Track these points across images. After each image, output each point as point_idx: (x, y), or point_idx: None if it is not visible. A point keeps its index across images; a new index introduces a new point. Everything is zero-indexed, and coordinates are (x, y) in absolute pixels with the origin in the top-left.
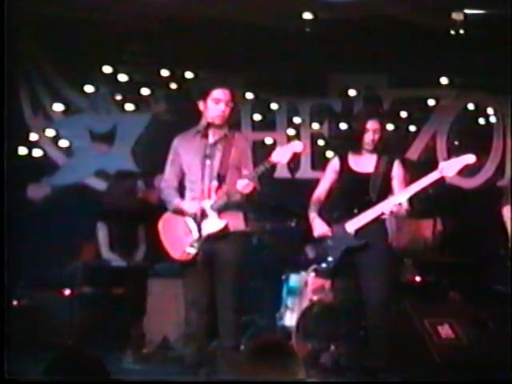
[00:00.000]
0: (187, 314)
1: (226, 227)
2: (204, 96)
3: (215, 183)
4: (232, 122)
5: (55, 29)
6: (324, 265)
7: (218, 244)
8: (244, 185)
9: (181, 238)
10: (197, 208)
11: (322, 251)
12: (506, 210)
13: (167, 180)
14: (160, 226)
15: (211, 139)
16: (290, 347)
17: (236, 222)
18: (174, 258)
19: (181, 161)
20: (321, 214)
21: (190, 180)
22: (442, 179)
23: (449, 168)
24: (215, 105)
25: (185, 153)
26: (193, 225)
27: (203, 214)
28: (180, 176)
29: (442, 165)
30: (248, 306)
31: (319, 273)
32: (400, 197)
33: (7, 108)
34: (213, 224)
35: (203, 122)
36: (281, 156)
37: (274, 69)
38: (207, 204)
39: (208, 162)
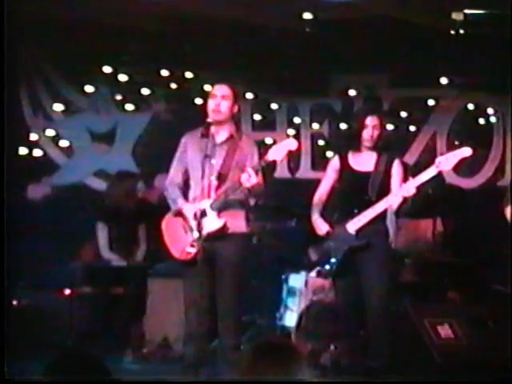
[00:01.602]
0: (187, 313)
1: (224, 226)
2: (207, 95)
3: (215, 182)
4: (236, 121)
5: (55, 29)
6: (327, 266)
7: (218, 243)
8: (247, 178)
9: (182, 237)
10: (195, 210)
11: (325, 252)
12: (508, 210)
13: (172, 177)
14: (163, 225)
15: (217, 138)
16: (291, 347)
17: (236, 221)
18: (175, 257)
19: (187, 159)
20: (322, 214)
21: (194, 179)
22: (441, 178)
23: (446, 162)
24: (212, 100)
25: (192, 151)
26: (193, 224)
27: (203, 214)
28: (186, 174)
29: (438, 159)
30: (248, 305)
31: (320, 273)
32: (399, 192)
33: (7, 108)
34: (212, 223)
35: (208, 121)
36: (276, 154)
37: (273, 69)
38: (207, 203)
39: (212, 161)
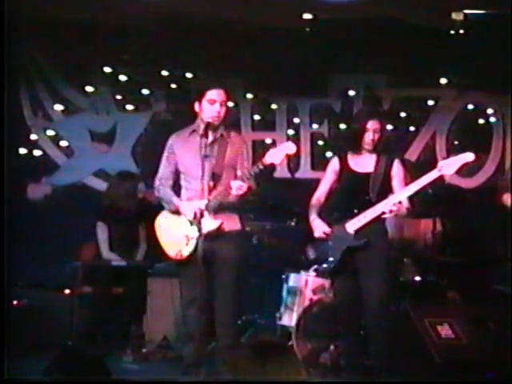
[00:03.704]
0: (185, 313)
1: (220, 227)
2: (199, 97)
3: (210, 183)
4: (229, 122)
5: (55, 29)
6: (325, 265)
7: (214, 244)
8: (237, 186)
9: (176, 237)
10: (193, 208)
11: (323, 251)
12: (505, 198)
13: (162, 178)
14: (156, 225)
15: (208, 139)
16: (288, 347)
17: (231, 222)
18: (170, 257)
19: (176, 160)
20: (321, 215)
21: (186, 179)
22: (441, 178)
23: (448, 166)
24: (210, 105)
25: (181, 152)
26: (188, 224)
27: (199, 214)
28: (175, 175)
29: (441, 163)
30: (248, 305)
31: (319, 272)
32: (400, 195)
33: (7, 108)
34: (208, 223)
35: (199, 122)
36: (274, 157)
37: (273, 69)
38: (202, 204)
39: (204, 161)
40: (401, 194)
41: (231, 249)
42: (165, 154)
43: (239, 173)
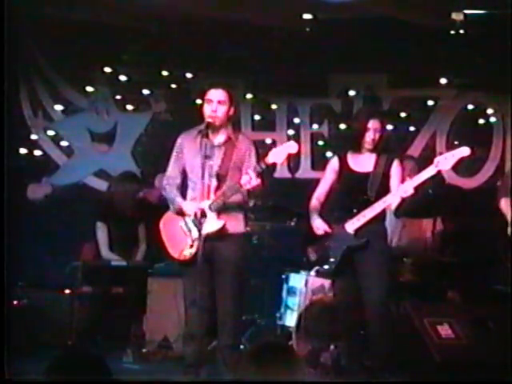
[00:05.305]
0: (187, 313)
1: (224, 227)
2: (202, 97)
3: (214, 183)
4: (233, 122)
5: (55, 29)
6: (326, 266)
7: (217, 244)
8: (248, 180)
9: (180, 238)
10: (195, 208)
11: (323, 252)
12: (504, 202)
13: (170, 177)
14: (161, 225)
15: (214, 140)
16: (290, 348)
17: (235, 222)
18: (174, 257)
19: (184, 159)
20: (321, 215)
21: (192, 179)
22: (442, 179)
23: (444, 161)
24: (208, 105)
25: (188, 152)
26: (192, 225)
27: (202, 214)
28: (183, 174)
29: (437, 159)
30: (248, 305)
31: (319, 273)
32: (398, 192)
33: (7, 108)
34: (211, 224)
35: (204, 122)
36: (276, 157)
37: (273, 69)
38: (206, 204)
39: (209, 162)
40: (399, 189)
41: (234, 249)
42: (174, 153)
43: (248, 171)
